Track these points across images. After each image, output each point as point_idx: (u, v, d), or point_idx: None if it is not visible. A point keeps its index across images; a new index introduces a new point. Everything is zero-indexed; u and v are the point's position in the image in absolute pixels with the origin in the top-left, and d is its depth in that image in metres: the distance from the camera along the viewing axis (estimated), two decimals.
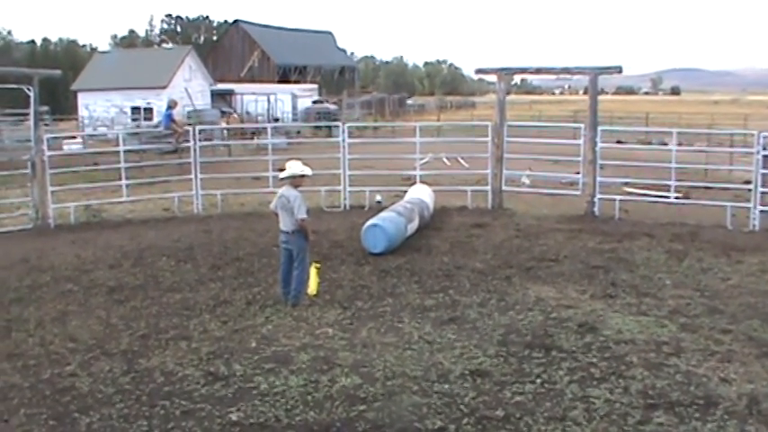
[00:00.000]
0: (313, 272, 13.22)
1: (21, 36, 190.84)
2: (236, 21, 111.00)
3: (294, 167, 13.06)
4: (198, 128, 24.37)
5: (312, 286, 13.05)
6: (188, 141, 23.43)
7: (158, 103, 61.08)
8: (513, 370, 9.66)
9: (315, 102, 79.13)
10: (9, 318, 12.56)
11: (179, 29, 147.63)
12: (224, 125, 46.18)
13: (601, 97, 23.01)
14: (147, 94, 65.89)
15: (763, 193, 19.39)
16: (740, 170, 24.55)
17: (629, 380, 9.26)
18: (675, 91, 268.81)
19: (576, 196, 21.98)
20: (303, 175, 13.11)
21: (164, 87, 65.27)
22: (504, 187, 22.29)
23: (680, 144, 23.90)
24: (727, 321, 11.63)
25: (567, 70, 24.16)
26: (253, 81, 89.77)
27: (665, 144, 31.14)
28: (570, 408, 8.53)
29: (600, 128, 21.47)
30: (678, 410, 8.43)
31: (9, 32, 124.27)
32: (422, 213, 18.85)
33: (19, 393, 9.28)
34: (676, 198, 21.49)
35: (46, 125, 46.53)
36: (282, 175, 13.20)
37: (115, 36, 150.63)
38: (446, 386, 9.15)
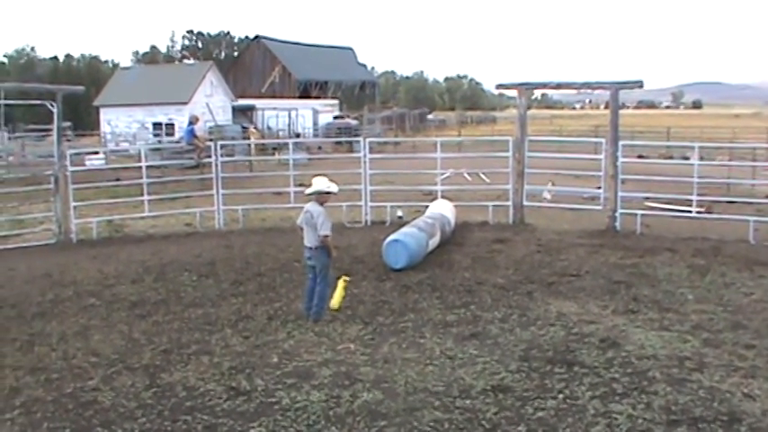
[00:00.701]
0: (340, 285, 13.25)
1: (44, 52, 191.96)
2: (257, 36, 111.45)
3: (320, 184, 13.15)
4: (219, 143, 24.46)
5: (336, 300, 13.08)
6: (210, 157, 23.52)
7: (180, 119, 61.39)
8: (534, 386, 9.63)
9: (336, 117, 79.34)
10: (32, 332, 12.62)
11: (200, 45, 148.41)
12: (249, 140, 46.27)
13: (622, 111, 22.94)
14: (169, 110, 66.21)
15: None
16: (763, 184, 24.44)
17: (651, 395, 9.22)
18: (697, 105, 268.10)
19: (597, 211, 21.94)
20: (329, 192, 13.17)
21: (185, 103, 65.55)
22: (525, 202, 22.26)
23: (702, 158, 23.79)
24: (751, 336, 11.56)
25: (587, 85, 24.12)
26: (274, 97, 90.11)
27: (687, 158, 31.00)
28: (592, 423, 8.50)
29: (621, 142, 21.40)
30: (701, 426, 8.38)
31: (32, 49, 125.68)
32: (443, 229, 18.83)
33: (42, 407, 9.32)
34: (698, 212, 21.40)
35: (68, 141, 46.92)
36: (308, 191, 13.25)
37: (137, 52, 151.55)
38: (468, 402, 9.13)
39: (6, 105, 29.01)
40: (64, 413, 9.16)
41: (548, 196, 25.20)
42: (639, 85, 21.80)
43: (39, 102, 22.35)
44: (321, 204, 13.03)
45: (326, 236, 12.89)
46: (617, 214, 20.97)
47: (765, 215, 20.41)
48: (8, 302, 14.52)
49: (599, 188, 22.67)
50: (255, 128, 63.02)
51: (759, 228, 19.74)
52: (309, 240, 13.05)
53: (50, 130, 24.44)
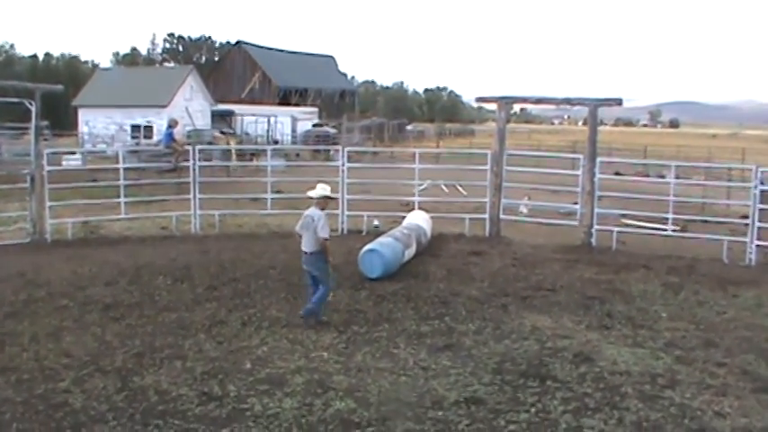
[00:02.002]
0: None
1: (23, 50, 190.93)
2: (238, 42, 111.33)
3: (324, 189, 13.29)
4: (198, 147, 24.39)
5: None
6: (187, 161, 23.45)
7: (159, 122, 61.21)
8: (507, 398, 9.65)
9: (315, 125, 79.35)
10: (3, 332, 12.52)
11: (181, 48, 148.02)
12: (222, 145, 46.00)
13: (600, 128, 23.07)
14: (148, 113, 66.02)
15: (759, 227, 19.42)
16: (738, 204, 24.59)
17: (623, 411, 9.26)
18: (674, 124, 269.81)
19: (573, 227, 22.02)
20: (333, 198, 13.35)
21: (164, 106, 65.40)
22: (501, 216, 22.30)
23: (678, 177, 23.90)
24: (723, 355, 11.64)
25: (567, 101, 24.24)
26: (253, 102, 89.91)
27: (664, 177, 31.16)
28: None
29: (599, 159, 21.51)
30: None
31: (11, 46, 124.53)
32: (419, 240, 18.85)
33: (12, 408, 9.26)
34: (674, 231, 21.51)
35: (46, 140, 46.60)
36: (313, 194, 13.30)
37: (117, 53, 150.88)
38: (440, 413, 9.14)
39: None
40: (34, 414, 9.10)
41: (524, 210, 25.28)
42: (618, 102, 21.93)
43: (17, 100, 22.21)
44: (322, 209, 13.12)
45: (326, 239, 13.00)
46: (593, 230, 21.06)
47: (739, 235, 20.53)
48: None
49: (576, 203, 22.75)
50: (222, 132, 62.67)
51: (733, 247, 19.88)
52: (307, 245, 13.07)
53: (28, 128, 24.35)
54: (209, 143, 48.76)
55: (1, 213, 22.41)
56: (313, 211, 13.12)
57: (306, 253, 13.13)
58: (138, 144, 57.29)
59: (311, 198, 13.35)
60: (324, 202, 13.23)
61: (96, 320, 13.19)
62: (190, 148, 24.47)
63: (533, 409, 9.29)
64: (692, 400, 9.70)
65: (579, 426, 8.82)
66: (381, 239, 17.49)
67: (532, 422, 8.93)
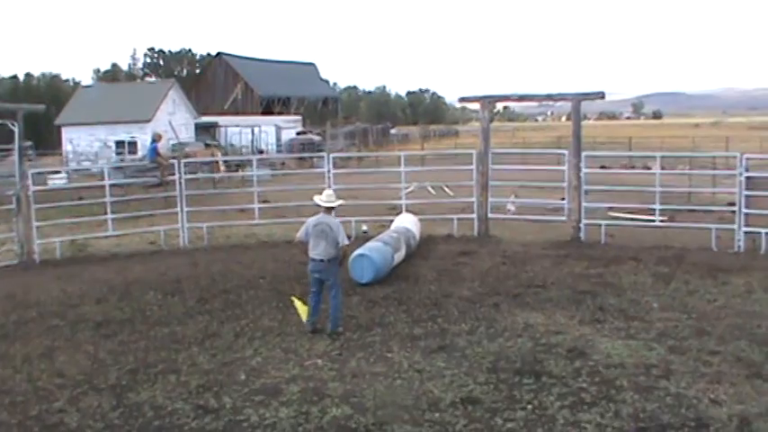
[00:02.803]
0: (298, 304, 13.27)
1: (2, 71, 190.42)
2: (218, 53, 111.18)
3: (333, 198, 13.45)
4: (183, 161, 24.35)
5: (305, 317, 13.11)
6: (173, 174, 23.41)
7: (142, 137, 61.07)
8: (503, 397, 9.65)
9: (299, 133, 79.26)
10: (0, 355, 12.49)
11: (162, 62, 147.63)
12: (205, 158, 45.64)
13: (583, 123, 23.10)
14: (131, 128, 65.88)
15: (746, 214, 19.48)
16: (724, 192, 24.67)
17: (619, 404, 9.27)
18: (657, 115, 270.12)
19: (561, 222, 22.06)
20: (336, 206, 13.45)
21: (147, 121, 65.25)
22: (489, 214, 22.32)
23: (663, 168, 23.96)
24: (716, 343, 11.66)
25: (550, 97, 24.30)
26: (236, 113, 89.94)
27: (649, 168, 31.23)
28: None
29: (584, 153, 21.54)
30: None
31: None
32: (408, 242, 18.86)
33: (7, 430, 9.22)
34: (661, 222, 21.56)
35: (30, 160, 46.45)
36: (327, 203, 13.35)
37: (98, 70, 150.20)
38: (437, 415, 9.14)
39: None
40: None
41: (512, 208, 25.28)
42: (601, 96, 22.00)
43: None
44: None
45: (347, 245, 13.21)
46: (581, 225, 21.10)
47: (727, 222, 20.58)
48: None
49: (563, 199, 22.78)
50: (207, 144, 62.37)
51: (721, 235, 19.93)
52: (321, 253, 13.02)
53: (11, 149, 24.17)
54: (186, 156, 48.65)
55: None
56: (325, 218, 13.16)
57: (320, 261, 13.05)
58: (122, 160, 57.14)
59: (320, 205, 13.32)
60: (328, 209, 13.28)
61: (88, 338, 13.16)
62: (175, 161, 24.43)
63: (530, 407, 9.29)
64: (687, 389, 9.72)
65: (576, 420, 8.82)
66: (370, 244, 17.49)
67: (529, 419, 8.93)
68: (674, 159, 37.13)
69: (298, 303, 13.32)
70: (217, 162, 30.00)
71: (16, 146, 21.73)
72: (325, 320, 13.38)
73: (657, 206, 21.22)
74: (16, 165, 21.84)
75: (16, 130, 21.06)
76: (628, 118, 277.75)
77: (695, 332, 12.27)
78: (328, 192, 13.67)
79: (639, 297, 14.68)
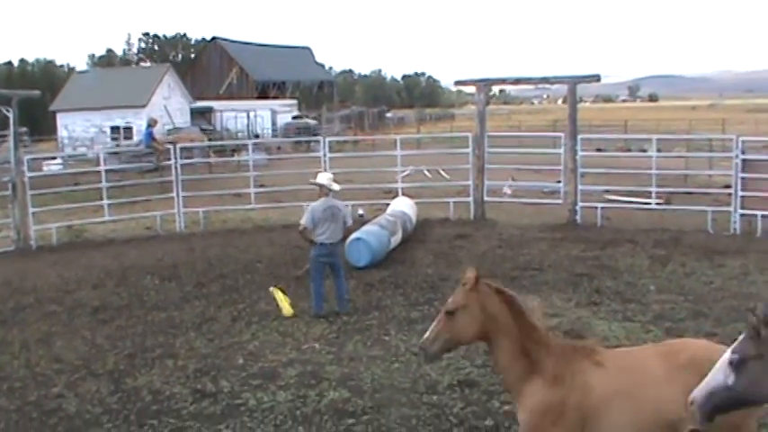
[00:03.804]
0: (278, 295, 13.21)
1: None
2: (213, 38, 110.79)
3: (330, 179, 13.39)
4: (179, 145, 24.32)
5: (286, 308, 13.05)
6: (169, 159, 23.39)
7: (138, 122, 60.83)
8: (500, 380, 9.67)
9: (294, 117, 79.04)
10: None
11: (156, 47, 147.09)
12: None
13: (579, 106, 23.11)
14: (127, 114, 65.62)
15: (742, 196, 19.49)
16: (720, 175, 24.68)
17: None
18: (653, 98, 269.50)
19: (557, 205, 22.06)
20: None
21: (143, 106, 65.01)
22: (485, 198, 22.32)
23: (659, 150, 23.96)
24: (712, 324, 11.70)
25: (546, 80, 24.30)
26: (232, 98, 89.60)
27: (645, 151, 31.21)
28: None
29: (580, 136, 21.55)
30: None
31: None
32: (404, 226, 18.87)
33: (5, 416, 9.25)
34: (657, 204, 21.58)
35: (25, 146, 46.35)
36: (334, 186, 13.38)
37: (93, 55, 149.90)
38: (434, 397, 9.18)
39: None
40: (28, 422, 9.10)
41: (508, 191, 25.28)
42: (597, 79, 21.98)
43: None
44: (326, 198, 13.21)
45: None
46: (577, 207, 21.11)
47: (723, 205, 20.59)
48: None
49: (559, 182, 22.79)
50: (203, 129, 62.04)
51: (717, 218, 19.95)
52: (332, 236, 13.11)
53: (6, 135, 24.18)
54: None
55: None
56: (331, 201, 13.21)
57: (330, 244, 13.13)
58: (118, 145, 56.96)
59: (325, 187, 13.24)
60: (326, 191, 13.25)
61: (86, 324, 13.18)
62: (170, 146, 24.41)
63: None
64: None
65: None
66: (367, 228, 17.51)
67: None
68: (671, 142, 37.10)
69: (279, 295, 13.24)
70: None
71: (11, 132, 21.73)
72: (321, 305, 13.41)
73: (654, 189, 21.25)
74: (11, 151, 21.81)
75: (11, 116, 21.04)
76: (624, 101, 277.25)
77: (692, 314, 12.31)
78: (328, 174, 13.66)
79: (636, 279, 14.71)
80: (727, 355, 4.92)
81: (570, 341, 6.91)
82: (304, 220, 13.11)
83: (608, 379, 5.85)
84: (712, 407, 4.83)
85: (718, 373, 4.90)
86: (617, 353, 6.44)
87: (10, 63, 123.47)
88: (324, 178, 13.45)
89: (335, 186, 13.41)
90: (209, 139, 53.39)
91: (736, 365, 4.82)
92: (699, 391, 4.89)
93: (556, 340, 6.33)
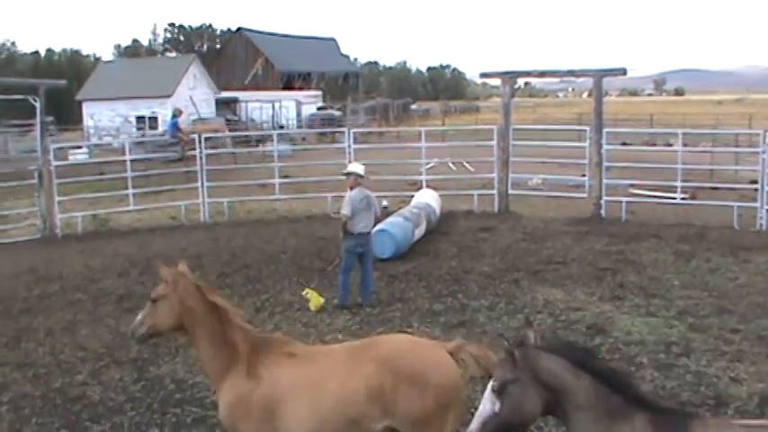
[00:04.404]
0: (313, 295, 13.15)
1: (24, 47, 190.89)
2: (239, 29, 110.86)
3: (363, 168, 13.42)
4: (204, 136, 24.39)
5: (315, 303, 13.00)
6: (194, 150, 23.46)
7: (163, 112, 61.05)
8: None
9: (319, 108, 79.11)
10: (19, 328, 12.59)
11: (182, 37, 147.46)
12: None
13: (605, 99, 22.99)
14: (152, 104, 65.86)
15: None
16: (746, 170, 24.51)
17: (639, 380, 9.25)
18: (679, 92, 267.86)
19: (582, 199, 21.98)
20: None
21: (168, 96, 65.24)
22: (510, 190, 22.27)
23: (685, 145, 23.82)
24: (737, 321, 11.64)
25: (571, 73, 24.20)
26: (257, 88, 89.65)
27: (671, 145, 31.02)
28: None
29: (605, 130, 21.46)
30: (689, 410, 8.42)
31: (13, 43, 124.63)
32: (428, 218, 18.85)
33: (30, 403, 9.32)
34: (683, 199, 21.45)
35: (51, 135, 46.63)
36: (361, 171, 13.35)
37: (119, 46, 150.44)
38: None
39: None
40: (52, 408, 9.16)
41: (536, 182, 25.17)
42: (623, 72, 21.85)
43: (21, 97, 22.22)
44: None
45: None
46: (602, 201, 21.03)
47: (749, 200, 20.45)
48: None
49: (584, 176, 22.71)
50: (227, 119, 62.05)
51: (743, 213, 19.80)
52: (368, 225, 13.20)
53: (33, 124, 24.32)
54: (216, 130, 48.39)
55: (11, 210, 22.44)
56: (364, 190, 13.24)
57: (366, 234, 13.21)
58: (143, 135, 57.20)
59: (358, 175, 13.22)
60: (359, 180, 13.27)
61: (110, 312, 13.26)
62: (195, 136, 24.49)
63: None
64: (707, 367, 9.71)
65: None
66: (391, 219, 17.50)
67: None
68: (697, 136, 36.89)
69: (312, 294, 13.16)
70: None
71: (38, 121, 21.86)
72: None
73: (679, 183, 21.13)
74: (38, 140, 21.98)
75: (38, 105, 21.16)
76: (649, 94, 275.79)
77: (716, 310, 12.24)
78: (359, 164, 13.69)
79: (660, 274, 14.64)
80: (490, 383, 5.12)
81: (267, 335, 7.07)
82: (346, 211, 13.00)
83: (295, 371, 6.12)
84: None
85: (486, 402, 5.10)
86: (309, 348, 6.80)
87: (37, 53, 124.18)
88: (358, 167, 13.44)
89: (360, 170, 13.42)
90: (234, 130, 53.50)
91: (498, 392, 5.05)
92: (474, 423, 5.09)
93: (252, 335, 6.52)
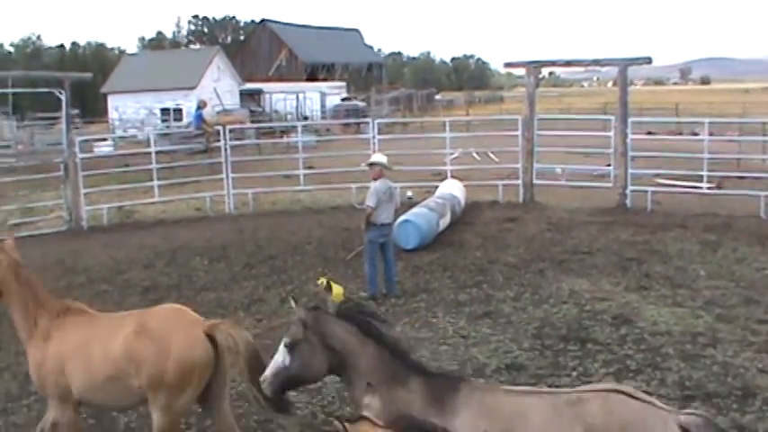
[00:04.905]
0: (333, 286, 13.09)
1: (50, 41, 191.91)
2: (262, 20, 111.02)
3: (386, 159, 13.49)
4: (228, 127, 24.44)
5: (338, 291, 12.95)
6: (218, 141, 23.53)
7: (188, 104, 61.18)
8: (548, 363, 9.65)
9: (343, 99, 79.07)
10: None
11: (206, 29, 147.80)
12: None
13: (630, 88, 22.86)
14: (177, 96, 65.99)
15: None
16: None
17: (665, 371, 9.23)
18: (705, 80, 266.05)
19: (607, 188, 21.88)
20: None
21: (193, 88, 65.35)
22: (535, 181, 22.20)
23: (711, 134, 23.66)
24: (764, 311, 11.57)
25: (596, 62, 24.11)
26: (281, 80, 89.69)
27: (697, 134, 30.82)
28: None
29: (630, 119, 21.36)
30: (716, 401, 8.40)
31: (38, 37, 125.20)
32: (453, 208, 18.84)
33: None
34: (709, 188, 21.32)
35: (77, 128, 46.86)
36: (387, 163, 13.38)
37: (143, 38, 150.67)
38: (482, 380, 9.15)
39: (14, 94, 28.98)
40: None
41: (559, 171, 25.07)
42: (648, 61, 21.73)
43: (47, 90, 22.38)
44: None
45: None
46: (627, 191, 20.93)
47: None
48: None
49: (609, 165, 22.61)
50: (252, 110, 62.09)
51: None
52: (391, 216, 13.28)
53: (58, 117, 24.45)
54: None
55: (37, 202, 22.57)
56: (387, 181, 13.28)
57: (389, 224, 13.27)
58: (168, 127, 57.36)
59: (383, 166, 13.25)
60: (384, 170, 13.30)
61: (136, 304, 13.27)
62: (220, 128, 24.55)
63: (575, 373, 9.29)
64: (734, 357, 9.65)
65: None
66: (416, 210, 17.52)
67: (574, 386, 8.89)
68: (723, 125, 36.62)
69: (333, 285, 13.11)
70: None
71: (64, 114, 22.01)
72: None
73: (705, 173, 21.01)
74: (64, 132, 22.11)
75: (64, 98, 21.27)
76: (675, 83, 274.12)
77: (743, 300, 12.17)
78: (382, 155, 13.69)
79: (686, 264, 14.57)
80: (284, 338, 5.98)
81: (66, 303, 7.65)
82: (371, 202, 13.00)
83: (79, 334, 7.04)
84: (279, 384, 5.97)
85: (279, 355, 5.95)
86: (98, 315, 7.62)
87: (62, 46, 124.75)
88: (382, 157, 13.45)
89: (384, 160, 13.44)
90: (258, 121, 53.58)
91: (289, 348, 5.90)
92: (268, 370, 6.00)
93: (53, 303, 7.37)
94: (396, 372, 5.63)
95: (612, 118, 22.21)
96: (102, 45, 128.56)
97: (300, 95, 69.30)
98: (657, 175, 23.51)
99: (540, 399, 5.34)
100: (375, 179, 13.17)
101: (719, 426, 6.36)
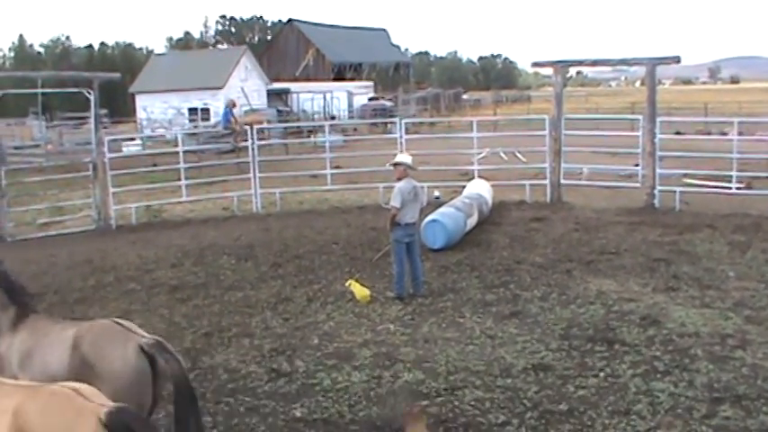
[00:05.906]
0: (357, 287, 13.08)
1: (78, 41, 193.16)
2: (290, 20, 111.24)
3: (411, 159, 13.47)
4: (256, 127, 24.52)
5: (362, 293, 12.94)
6: (246, 140, 23.61)
7: (215, 104, 61.46)
8: (575, 364, 9.62)
9: (371, 99, 79.17)
10: (73, 317, 12.70)
11: (233, 29, 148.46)
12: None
13: (658, 88, 22.73)
14: (204, 95, 66.28)
15: None
16: None
17: (693, 373, 9.17)
18: (734, 80, 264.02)
19: (635, 188, 21.76)
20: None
21: (220, 88, 65.62)
22: (562, 180, 22.13)
23: (741, 133, 23.49)
24: None
25: (624, 61, 24.00)
26: (308, 80, 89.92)
27: (726, 134, 30.62)
28: (634, 401, 8.48)
29: (658, 119, 21.24)
30: (745, 404, 8.33)
31: (67, 38, 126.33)
32: (480, 208, 18.81)
33: None
34: (738, 189, 21.16)
35: (105, 128, 47.15)
36: (412, 163, 13.39)
37: (171, 38, 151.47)
38: (509, 381, 9.14)
39: (44, 94, 29.19)
40: None
41: (585, 171, 24.96)
42: (676, 60, 21.58)
43: (75, 90, 22.53)
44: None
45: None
46: (655, 191, 20.82)
47: None
48: (51, 288, 14.68)
49: (637, 165, 22.50)
50: (279, 111, 62.26)
51: None
52: (415, 216, 13.24)
53: (87, 117, 24.62)
54: (268, 121, 48.41)
55: (66, 202, 22.73)
56: (412, 181, 13.23)
57: (413, 224, 13.24)
58: (196, 127, 57.63)
59: (408, 166, 13.28)
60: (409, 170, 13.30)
61: (164, 302, 13.38)
62: (248, 128, 24.63)
63: (602, 374, 9.24)
64: (763, 360, 9.57)
65: (649, 389, 8.75)
66: (443, 210, 17.50)
67: (601, 387, 8.88)
68: (753, 125, 36.35)
69: (357, 287, 13.12)
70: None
71: (92, 114, 22.18)
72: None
73: (734, 173, 20.86)
74: (92, 132, 22.28)
75: (92, 98, 21.40)
76: (704, 83, 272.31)
77: None
78: (407, 154, 13.70)
79: (715, 265, 14.45)
80: None
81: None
82: (396, 202, 12.95)
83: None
84: None
85: None
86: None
87: (91, 47, 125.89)
88: (406, 158, 13.46)
89: (408, 160, 13.44)
90: (286, 121, 53.74)
91: None
92: None
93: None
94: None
95: (640, 118, 22.08)
96: (130, 45, 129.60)
97: (328, 95, 69.47)
98: (686, 175, 23.37)
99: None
100: (399, 179, 13.16)
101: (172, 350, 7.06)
